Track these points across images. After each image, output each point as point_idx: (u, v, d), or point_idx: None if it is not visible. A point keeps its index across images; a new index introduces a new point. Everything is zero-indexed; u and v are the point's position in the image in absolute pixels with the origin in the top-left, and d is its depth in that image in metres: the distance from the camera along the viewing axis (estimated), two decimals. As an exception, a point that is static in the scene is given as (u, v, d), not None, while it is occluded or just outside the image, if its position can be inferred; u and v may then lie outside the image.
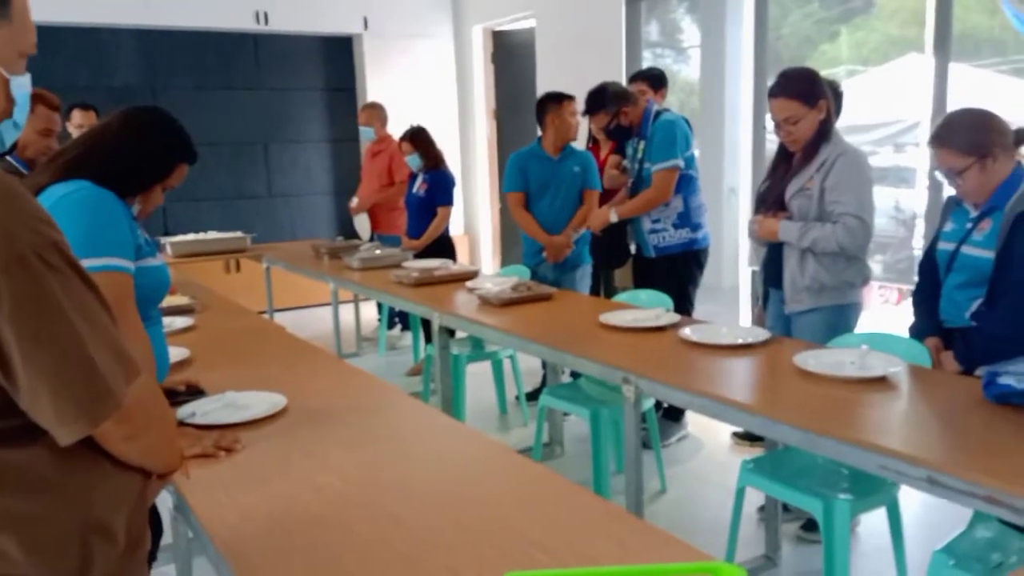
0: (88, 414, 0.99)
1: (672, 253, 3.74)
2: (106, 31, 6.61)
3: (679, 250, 3.74)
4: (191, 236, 5.54)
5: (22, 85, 1.12)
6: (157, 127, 1.88)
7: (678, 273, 3.74)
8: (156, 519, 1.98)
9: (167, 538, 2.16)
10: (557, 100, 4.03)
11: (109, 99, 6.19)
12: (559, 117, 3.99)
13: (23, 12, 1.10)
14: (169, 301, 3.18)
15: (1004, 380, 1.81)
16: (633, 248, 3.91)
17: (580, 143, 4.49)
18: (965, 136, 2.24)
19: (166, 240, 5.33)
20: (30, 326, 0.94)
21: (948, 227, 2.41)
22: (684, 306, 3.72)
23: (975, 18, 5.63)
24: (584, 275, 4.12)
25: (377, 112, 5.64)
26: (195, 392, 2.13)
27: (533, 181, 4.10)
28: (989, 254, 2.21)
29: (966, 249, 2.30)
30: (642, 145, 3.76)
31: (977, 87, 5.69)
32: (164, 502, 1.72)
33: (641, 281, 3.90)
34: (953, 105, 4.18)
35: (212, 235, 5.61)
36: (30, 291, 0.94)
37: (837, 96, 3.14)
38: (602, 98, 3.75)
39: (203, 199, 7.00)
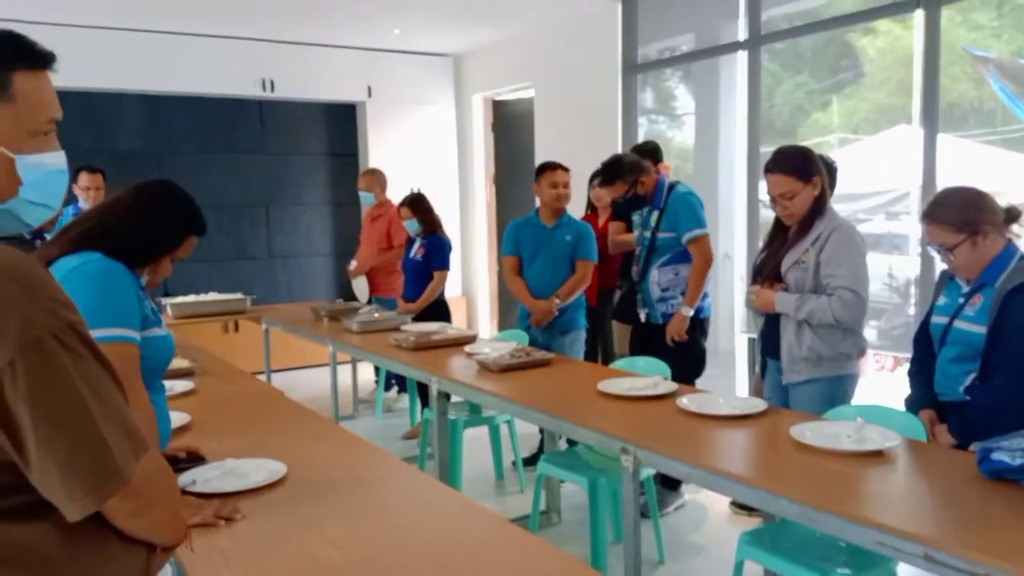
0: (96, 491, 1.00)
1: None
2: (112, 96, 6.76)
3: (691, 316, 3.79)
4: (191, 297, 5.58)
5: (37, 164, 1.15)
6: (168, 201, 1.93)
7: (690, 338, 3.79)
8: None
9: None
10: (540, 170, 4.15)
11: (114, 163, 6.32)
12: (540, 186, 4.12)
13: (32, 93, 1.11)
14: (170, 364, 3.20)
15: (997, 456, 1.83)
16: (642, 316, 3.95)
17: (577, 211, 4.58)
18: (957, 214, 2.30)
19: (166, 301, 5.36)
20: (45, 407, 0.97)
21: (941, 301, 2.45)
22: (698, 368, 3.82)
23: (962, 87, 5.79)
24: (576, 340, 4.14)
25: (377, 178, 5.75)
26: (195, 459, 2.14)
27: (525, 247, 4.20)
28: (981, 329, 2.25)
29: (959, 324, 2.34)
30: (655, 215, 3.85)
31: (965, 157, 5.81)
32: (163, 573, 1.71)
33: (642, 347, 3.94)
34: (942, 175, 4.29)
35: (212, 296, 5.65)
36: (46, 374, 0.97)
37: (831, 171, 3.24)
38: (619, 168, 3.85)
39: (204, 260, 7.06)
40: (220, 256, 7.30)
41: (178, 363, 3.37)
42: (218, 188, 7.15)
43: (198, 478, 2.00)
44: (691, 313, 3.75)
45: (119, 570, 1.10)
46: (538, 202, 4.22)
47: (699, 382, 3.81)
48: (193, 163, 7.09)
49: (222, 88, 7.08)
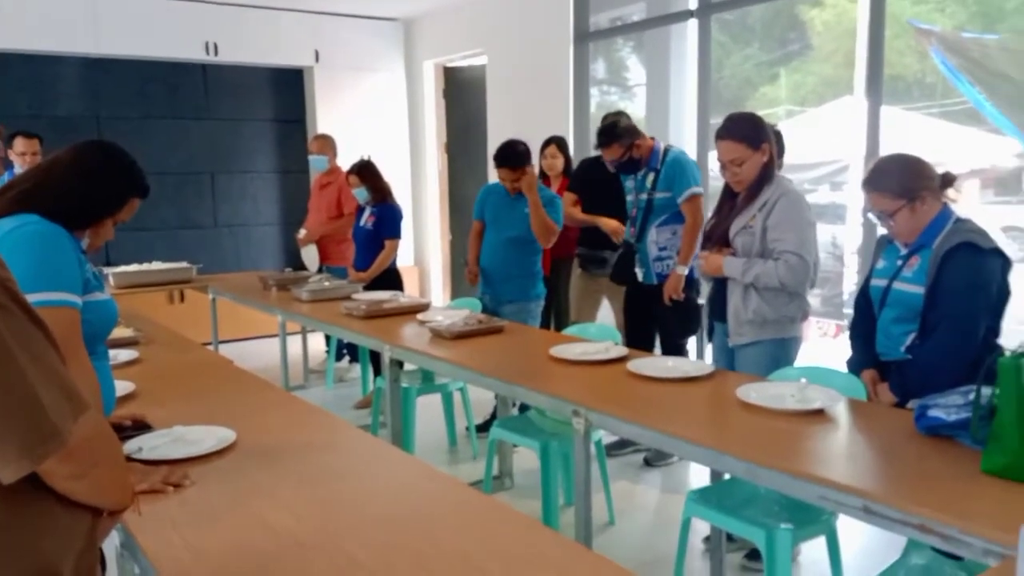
0: (31, 452, 0.97)
1: None
2: (51, 59, 6.50)
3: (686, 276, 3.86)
4: (135, 267, 5.44)
5: None
6: (108, 161, 1.87)
7: (685, 297, 3.85)
8: (100, 559, 1.93)
9: (111, 578, 2.11)
10: (495, 163, 4.13)
11: (53, 128, 6.09)
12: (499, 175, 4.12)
13: None
14: (113, 333, 3.12)
15: (934, 413, 1.90)
16: (639, 276, 4.02)
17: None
18: (896, 181, 2.36)
19: (109, 271, 5.22)
20: None
21: (880, 264, 2.53)
22: (692, 326, 3.91)
23: (906, 61, 5.92)
24: (523, 311, 4.12)
25: (329, 142, 5.65)
26: (141, 427, 2.11)
27: (488, 213, 4.22)
28: (919, 289, 2.32)
29: (898, 285, 2.41)
30: (651, 177, 3.92)
31: (907, 129, 5.96)
32: (110, 540, 1.68)
33: (637, 308, 4.06)
34: (885, 146, 4.39)
35: (156, 266, 5.51)
36: None
37: (778, 139, 3.28)
38: (615, 132, 3.91)
39: (147, 229, 6.88)
40: (164, 225, 7.12)
41: (121, 332, 3.30)
42: (161, 155, 6.95)
43: (144, 445, 1.97)
44: (686, 272, 3.81)
45: (63, 537, 1.08)
46: None
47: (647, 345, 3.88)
48: (134, 129, 6.87)
49: (164, 51, 6.86)
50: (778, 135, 3.27)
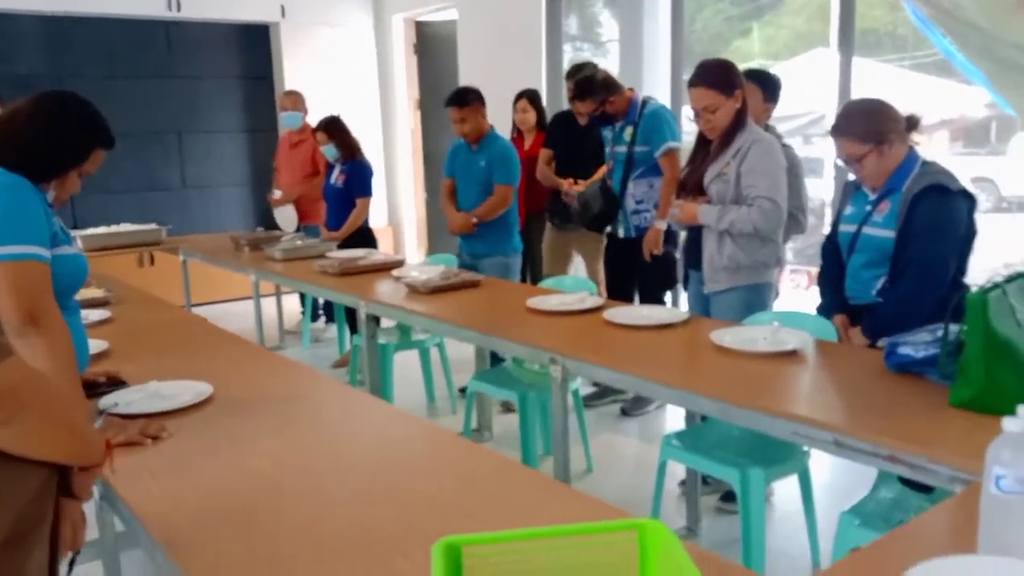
0: None
1: None
2: (10, 16, 6.29)
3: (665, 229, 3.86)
4: (102, 229, 5.35)
5: None
6: (72, 111, 1.83)
7: (664, 251, 3.87)
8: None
9: (92, 533, 2.11)
10: (473, 99, 4.09)
11: (13, 87, 5.88)
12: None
13: None
14: (82, 294, 3.08)
15: (903, 350, 1.94)
16: (619, 231, 4.05)
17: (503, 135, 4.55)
18: (862, 125, 2.37)
19: (77, 233, 5.12)
20: None
21: (849, 210, 2.55)
22: (672, 279, 3.95)
23: (877, 14, 5.92)
24: (502, 264, 4.10)
25: (301, 98, 5.56)
26: (116, 383, 2.09)
27: (457, 170, 4.22)
28: (890, 233, 2.35)
29: (867, 230, 2.44)
30: (630, 130, 3.90)
31: (879, 81, 5.98)
32: (89, 492, 1.68)
33: (616, 261, 4.08)
34: (857, 97, 4.40)
35: (125, 227, 5.43)
36: None
37: (776, 85, 3.36)
38: (591, 87, 3.90)
39: (113, 191, 6.74)
40: (130, 186, 6.98)
41: (92, 293, 3.26)
42: (125, 114, 6.77)
43: (120, 400, 1.96)
44: (664, 226, 3.81)
45: (6, 490, 1.06)
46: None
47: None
48: (97, 88, 6.67)
49: (126, 8, 6.66)
50: (776, 82, 3.30)
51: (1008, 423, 1.08)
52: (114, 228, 5.39)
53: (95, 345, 2.41)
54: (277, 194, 5.58)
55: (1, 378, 0.99)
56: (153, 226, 5.51)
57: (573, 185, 4.22)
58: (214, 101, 7.39)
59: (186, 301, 5.63)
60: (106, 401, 1.94)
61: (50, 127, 1.78)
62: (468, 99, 4.03)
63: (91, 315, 2.91)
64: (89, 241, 5.13)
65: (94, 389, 2.03)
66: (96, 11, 6.57)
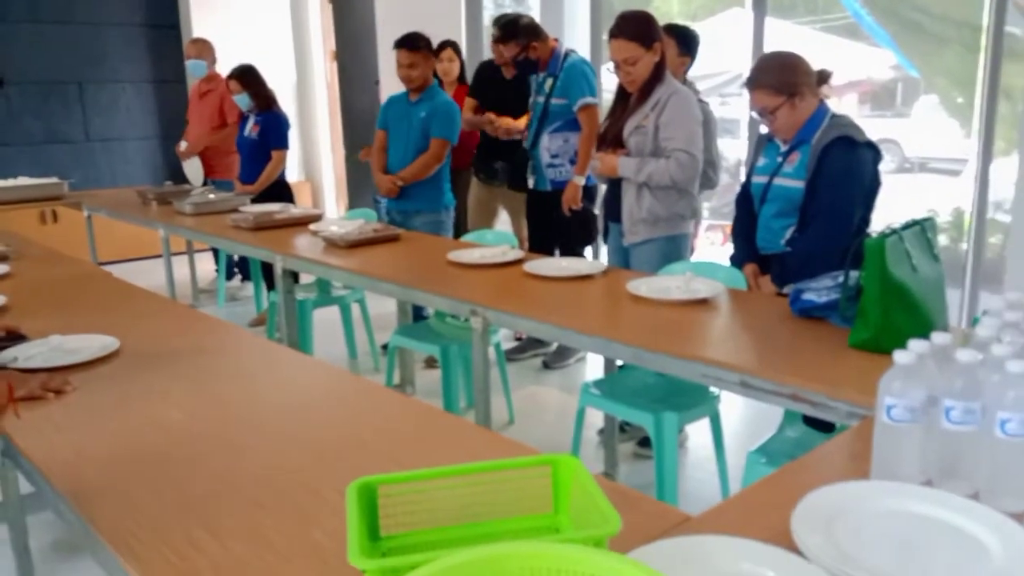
0: None
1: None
2: None
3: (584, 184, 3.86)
4: (-2, 183, 5.06)
5: None
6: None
7: (583, 206, 3.86)
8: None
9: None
10: (424, 46, 3.96)
11: None
12: (396, 64, 3.95)
13: None
14: (-23, 248, 2.92)
15: (807, 296, 2.03)
16: (531, 183, 4.01)
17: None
18: (775, 77, 2.43)
19: (-32, 187, 4.84)
20: None
21: (761, 162, 2.62)
22: (592, 234, 3.93)
23: (793, -23, 6.03)
24: (435, 221, 4.05)
25: (207, 46, 5.32)
26: (15, 337, 2.01)
27: (391, 122, 4.07)
28: (799, 184, 2.43)
29: (778, 181, 2.51)
30: (550, 82, 3.86)
31: (792, 43, 6.13)
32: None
33: (535, 214, 4.08)
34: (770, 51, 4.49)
35: (23, 181, 5.14)
36: None
37: (694, 41, 3.39)
38: (514, 29, 3.84)
39: (10, 144, 6.36)
40: (29, 139, 6.60)
41: (-12, 247, 3.09)
42: (20, 62, 6.38)
43: (20, 355, 1.88)
44: (583, 182, 3.80)
45: None
46: None
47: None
48: (-14, 33, 6.27)
49: (16, -54, 6.23)
50: (693, 37, 3.33)
51: (899, 355, 1.15)
52: (11, 182, 5.10)
53: (-8, 300, 2.30)
54: (183, 146, 5.35)
55: None
56: (54, 180, 5.23)
57: (496, 118, 4.19)
58: (118, 50, 7.02)
59: (92, 258, 5.39)
60: (5, 356, 1.86)
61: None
62: (419, 44, 3.90)
63: (-12, 270, 2.76)
64: (-17, 195, 4.85)
65: (-9, 345, 1.93)
66: (-17, -52, 6.13)
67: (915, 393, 1.14)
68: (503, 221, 4.61)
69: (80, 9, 6.78)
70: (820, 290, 1.99)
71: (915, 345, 1.15)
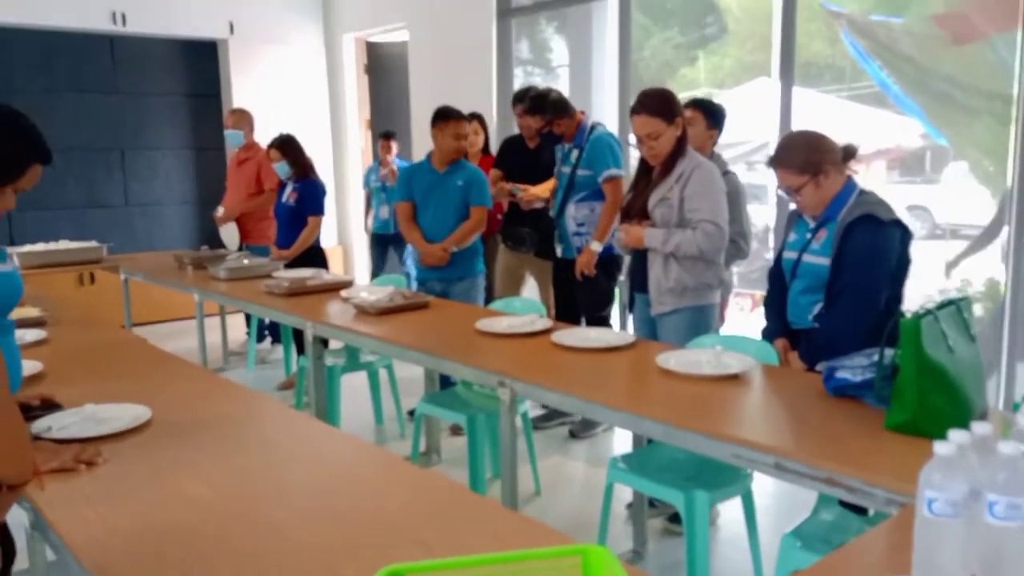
0: None
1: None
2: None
3: (600, 253, 3.88)
4: (40, 246, 5.19)
5: None
6: (8, 124, 1.78)
7: (596, 274, 3.89)
8: (8, 540, 1.86)
9: (22, 562, 2.03)
10: (443, 119, 4.02)
11: (-56, 98, 5.74)
12: (443, 135, 4.00)
13: None
14: (17, 313, 2.98)
15: (841, 374, 2.00)
16: (558, 251, 4.08)
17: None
18: (799, 157, 2.44)
19: (13, 251, 4.97)
20: None
21: (791, 238, 2.62)
22: (601, 303, 3.97)
23: (817, 46, 6.12)
24: (473, 287, 4.10)
25: (245, 116, 5.49)
26: (50, 406, 2.03)
27: (418, 193, 4.09)
28: (826, 261, 2.42)
29: (807, 257, 2.51)
30: (575, 153, 3.95)
31: (819, 110, 6.18)
32: (18, 520, 1.62)
33: (561, 281, 4.14)
34: (798, 126, 4.53)
35: (64, 245, 5.28)
36: None
37: (721, 115, 3.45)
38: (543, 104, 3.99)
39: (53, 208, 6.57)
40: (71, 204, 6.81)
41: (27, 312, 3.15)
42: (66, 130, 6.63)
43: (54, 424, 1.90)
44: (600, 248, 3.84)
45: None
46: (435, 148, 4.13)
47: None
48: (37, 103, 6.51)
49: (68, 21, 6.52)
50: (720, 110, 3.38)
51: (939, 447, 1.12)
52: (52, 245, 5.24)
53: (29, 367, 2.34)
54: (220, 211, 5.49)
55: None
56: (93, 244, 5.37)
57: (523, 190, 4.26)
58: (160, 118, 7.27)
59: (127, 321, 5.48)
60: (39, 425, 1.88)
61: (-15, 142, 1.72)
62: (461, 114, 4.02)
63: (26, 335, 2.81)
64: (26, 259, 4.98)
65: (27, 413, 1.95)
66: (37, 23, 6.42)
67: (956, 486, 1.11)
68: (530, 287, 4.63)
69: (124, 80, 7.05)
70: (855, 369, 1.96)
71: (955, 435, 1.13)
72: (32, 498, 1.53)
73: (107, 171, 7.04)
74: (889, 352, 1.85)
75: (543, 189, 4.29)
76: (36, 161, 1.80)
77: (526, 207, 4.27)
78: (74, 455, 1.69)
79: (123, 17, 6.70)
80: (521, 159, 4.45)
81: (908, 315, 1.78)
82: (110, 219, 7.05)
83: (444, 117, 4.00)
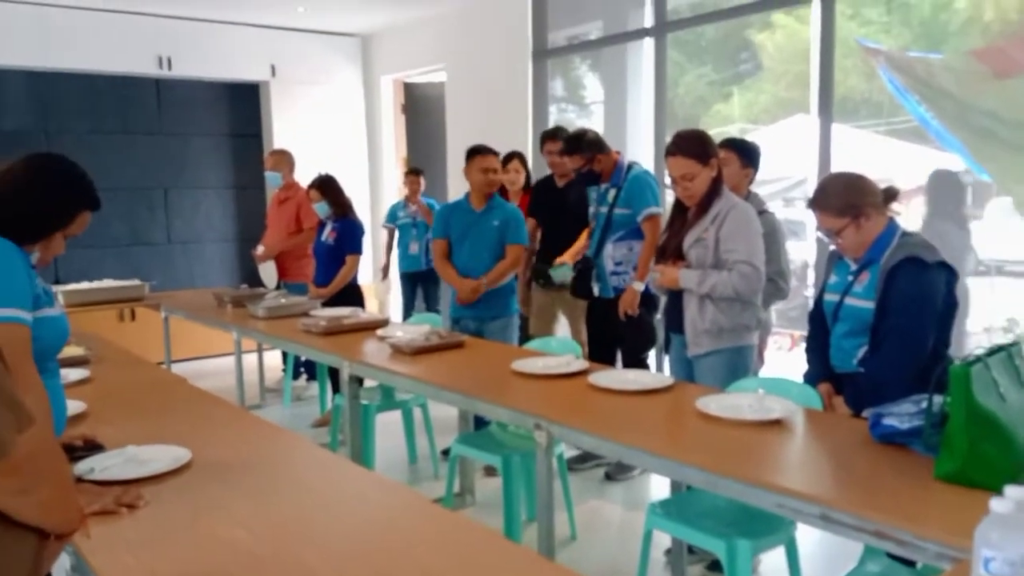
0: None
1: None
2: (-3, 71, 6.36)
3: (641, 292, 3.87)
4: (85, 284, 5.31)
5: None
6: (59, 173, 1.83)
7: (640, 312, 3.88)
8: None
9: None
10: (471, 153, 4.09)
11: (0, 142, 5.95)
12: (471, 171, 4.05)
13: None
14: (63, 352, 3.04)
15: (888, 421, 1.94)
16: (596, 290, 4.06)
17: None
18: (839, 200, 2.41)
19: (58, 288, 5.09)
20: None
21: (832, 280, 2.58)
22: (648, 342, 3.95)
23: (853, 81, 6.09)
24: (508, 325, 4.09)
25: (285, 158, 5.60)
26: (93, 447, 2.05)
27: (454, 231, 4.12)
28: (869, 304, 2.38)
29: (849, 300, 2.46)
30: (613, 193, 3.96)
31: (857, 146, 6.12)
32: (60, 564, 1.63)
33: (597, 322, 4.10)
34: (836, 162, 4.49)
35: (107, 283, 5.39)
36: None
37: (756, 154, 3.44)
38: (579, 144, 3.99)
39: (97, 246, 6.73)
40: (115, 242, 6.97)
41: (72, 351, 3.21)
42: (111, 170, 6.81)
43: (96, 466, 1.91)
44: (642, 288, 3.84)
45: (5, 555, 1.05)
46: (469, 186, 4.17)
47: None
48: (84, 143, 6.73)
49: (115, 65, 6.74)
50: (754, 149, 3.37)
51: (996, 504, 1.08)
52: (96, 284, 5.35)
53: (73, 406, 2.37)
54: (260, 249, 5.58)
55: (25, 447, 0.99)
56: (135, 282, 5.48)
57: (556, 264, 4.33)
58: (202, 158, 7.45)
59: (167, 357, 5.57)
60: (82, 467, 1.90)
61: (37, 190, 1.78)
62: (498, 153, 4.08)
63: (70, 374, 2.86)
64: (71, 296, 5.09)
65: (71, 453, 1.98)
66: (85, 68, 6.64)
67: (1015, 546, 1.07)
68: (563, 324, 4.62)
69: (169, 121, 7.25)
70: (902, 416, 1.91)
71: (1012, 492, 1.09)
72: (74, 541, 1.54)
73: (151, 210, 7.21)
74: (938, 399, 1.80)
75: (580, 243, 4.31)
76: (86, 208, 1.85)
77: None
78: (116, 498, 1.71)
79: (169, 61, 6.91)
80: (550, 199, 4.49)
81: (958, 362, 1.74)
82: (153, 256, 7.20)
83: (472, 153, 4.07)
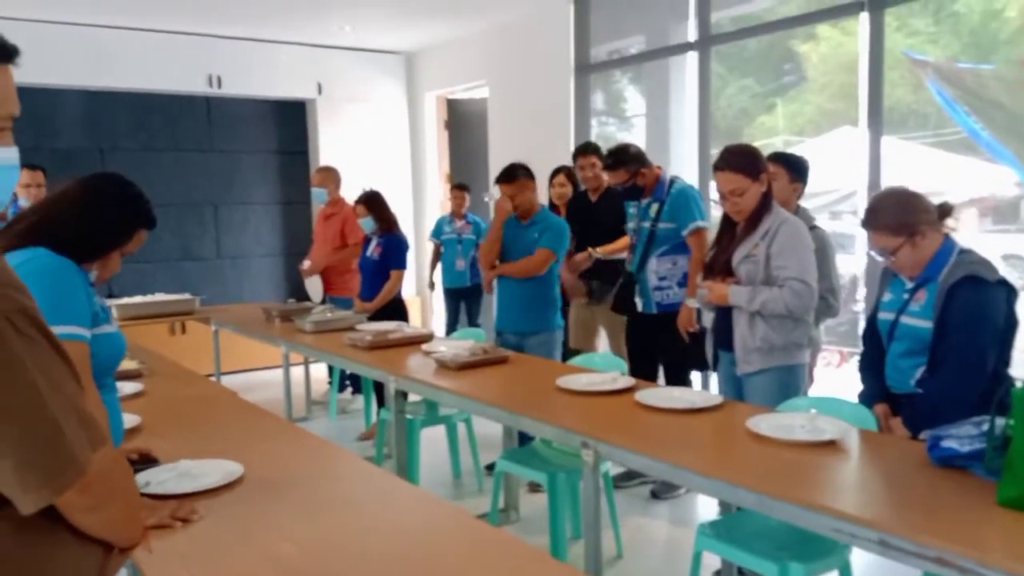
0: (52, 482, 0.97)
1: (674, 311, 3.87)
2: (52, 92, 6.55)
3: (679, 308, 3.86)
4: (138, 298, 5.44)
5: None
6: (116, 193, 1.88)
7: (676, 329, 3.84)
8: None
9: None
10: (522, 175, 4.13)
11: (54, 160, 6.13)
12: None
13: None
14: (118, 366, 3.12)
15: (947, 444, 1.89)
16: (639, 305, 4.05)
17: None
18: (893, 218, 2.36)
19: (112, 303, 5.22)
20: None
21: (887, 297, 2.52)
22: (692, 360, 3.86)
23: (899, 92, 5.98)
24: (550, 340, 4.09)
25: (331, 175, 5.68)
26: (148, 461, 2.09)
27: (507, 242, 4.19)
28: (927, 323, 2.32)
29: (905, 319, 2.40)
30: (655, 207, 3.94)
31: (905, 158, 6.00)
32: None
33: (638, 338, 4.07)
34: (886, 175, 4.41)
35: (159, 297, 5.52)
36: None
37: (804, 168, 3.38)
38: (624, 157, 3.97)
39: (149, 261, 6.90)
40: (166, 256, 7.14)
41: (126, 365, 3.28)
42: (163, 186, 6.98)
43: (152, 480, 1.95)
44: (695, 304, 3.77)
45: (73, 569, 1.07)
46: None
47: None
48: (136, 160, 6.91)
49: (167, 84, 6.92)
50: (803, 163, 3.32)
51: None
52: (148, 298, 5.48)
53: (128, 420, 2.42)
54: (306, 264, 5.66)
55: (98, 465, 1.01)
56: (187, 296, 5.60)
57: (588, 256, 4.36)
58: (251, 174, 7.59)
59: (216, 370, 5.66)
60: (138, 480, 1.94)
61: (94, 211, 1.82)
62: (516, 175, 4.07)
63: (125, 388, 2.93)
64: (124, 310, 5.21)
65: (126, 467, 2.02)
66: (137, 87, 6.83)
67: (1090, 579, 1.03)
68: (603, 338, 4.60)
69: (218, 138, 7.41)
70: (962, 438, 1.85)
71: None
72: (133, 555, 1.57)
73: (201, 225, 7.37)
74: (1000, 422, 1.74)
75: (620, 244, 4.30)
76: (142, 227, 1.90)
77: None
78: (171, 511, 1.73)
79: (219, 80, 7.07)
80: (584, 214, 4.50)
81: (1019, 383, 1.68)
82: (203, 271, 7.35)
83: (496, 181, 4.14)
